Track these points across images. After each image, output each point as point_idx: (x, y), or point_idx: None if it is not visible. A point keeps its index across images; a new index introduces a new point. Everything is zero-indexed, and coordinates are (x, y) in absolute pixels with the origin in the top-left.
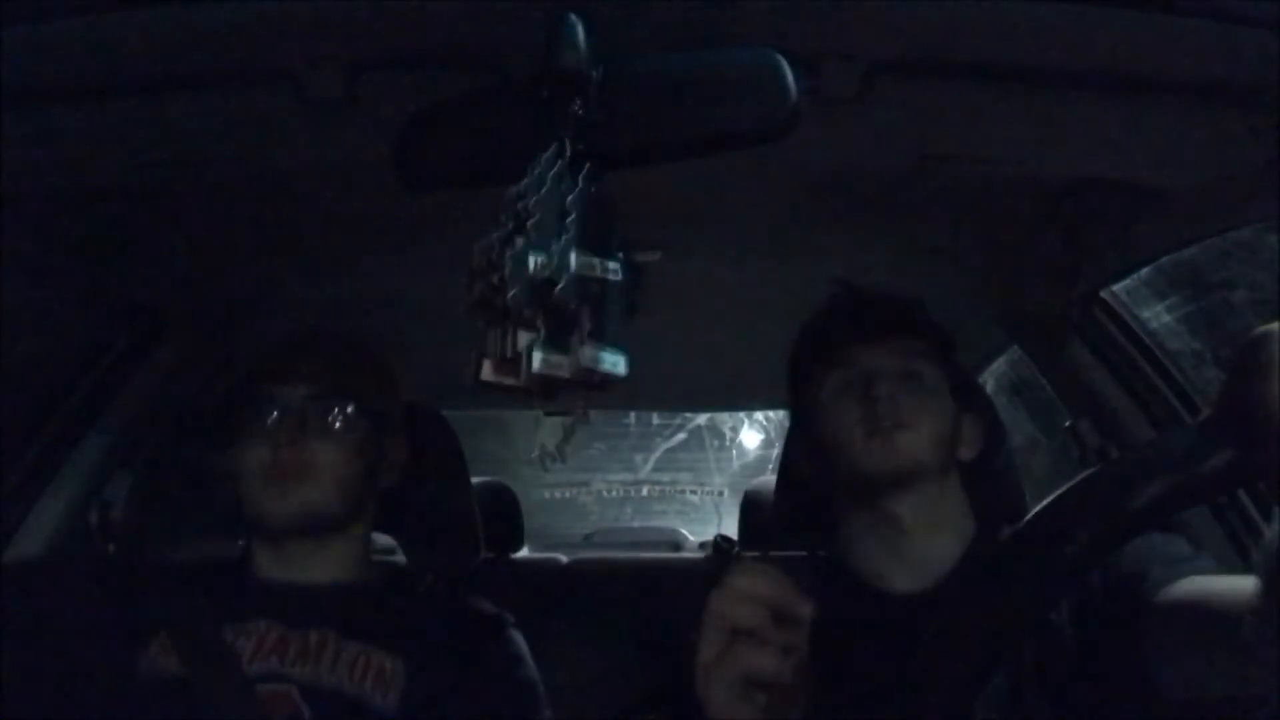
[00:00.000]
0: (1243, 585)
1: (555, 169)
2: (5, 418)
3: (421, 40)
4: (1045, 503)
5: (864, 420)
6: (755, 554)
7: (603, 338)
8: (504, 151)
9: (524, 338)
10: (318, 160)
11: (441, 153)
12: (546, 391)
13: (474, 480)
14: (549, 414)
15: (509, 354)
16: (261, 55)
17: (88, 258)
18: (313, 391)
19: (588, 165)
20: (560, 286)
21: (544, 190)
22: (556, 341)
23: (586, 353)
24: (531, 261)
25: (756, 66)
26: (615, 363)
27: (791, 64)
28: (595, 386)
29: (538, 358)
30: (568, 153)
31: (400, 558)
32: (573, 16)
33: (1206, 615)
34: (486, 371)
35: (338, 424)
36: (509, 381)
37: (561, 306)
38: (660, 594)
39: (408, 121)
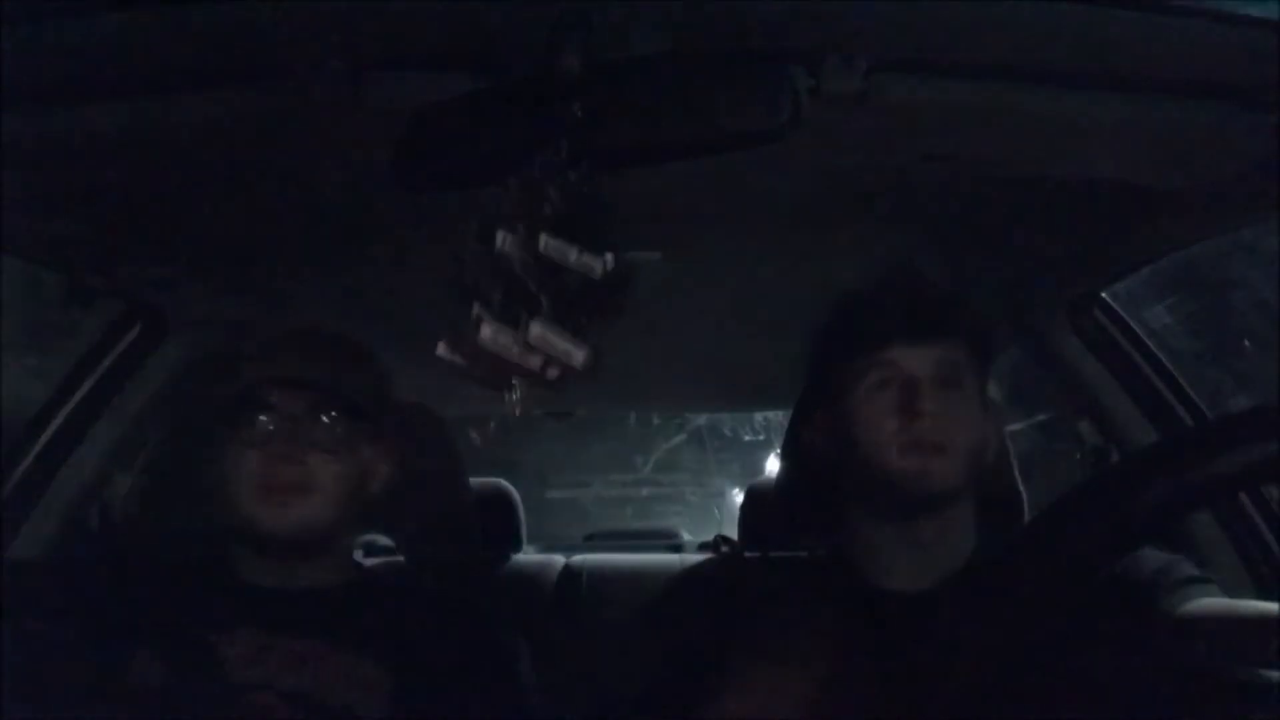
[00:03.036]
0: (1265, 606)
1: (551, 165)
2: (6, 417)
3: (422, 41)
4: (1052, 503)
5: (902, 434)
6: (756, 554)
7: (559, 322)
8: (504, 152)
9: (475, 309)
10: (319, 160)
11: (441, 153)
12: (497, 373)
13: (475, 481)
14: (549, 414)
15: (460, 325)
16: (263, 55)
17: (88, 258)
18: (307, 402)
19: (585, 165)
20: (522, 265)
21: (534, 179)
22: (509, 319)
23: (535, 329)
24: (499, 237)
25: (756, 66)
26: (568, 352)
27: (791, 64)
28: (549, 377)
29: (486, 329)
30: (564, 152)
31: (399, 558)
32: (572, 18)
33: (1233, 631)
34: (440, 349)
35: (332, 435)
36: (457, 359)
37: (522, 285)
38: (660, 594)
39: (408, 121)
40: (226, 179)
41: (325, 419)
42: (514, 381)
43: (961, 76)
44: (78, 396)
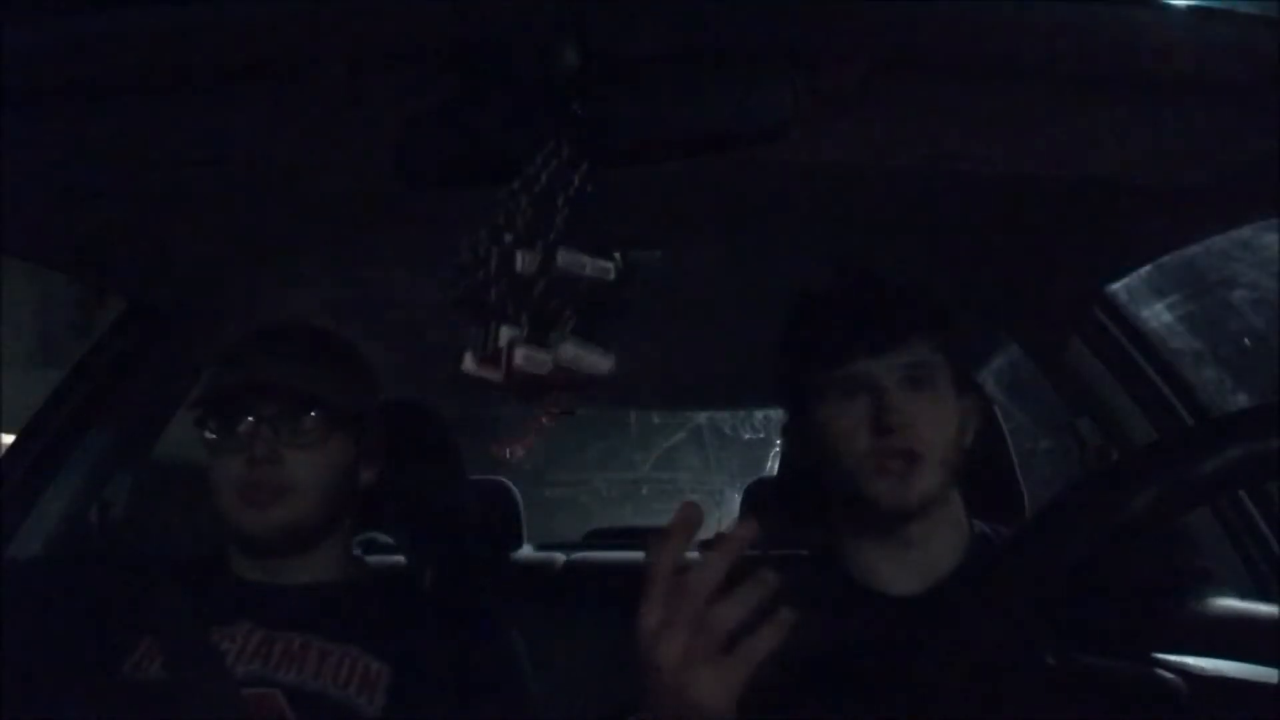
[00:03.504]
0: (1268, 609)
1: (551, 168)
2: (6, 417)
3: (421, 40)
4: (1046, 502)
5: (875, 450)
6: (755, 553)
7: (588, 336)
8: (503, 151)
9: (506, 333)
10: (318, 160)
11: (441, 152)
12: (529, 387)
13: (474, 478)
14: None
15: (490, 349)
16: (262, 54)
17: (88, 258)
18: (283, 402)
19: (585, 165)
20: (543, 284)
21: (538, 188)
22: (539, 338)
23: (567, 350)
24: (519, 259)
25: (756, 66)
26: (598, 362)
27: (791, 64)
28: (579, 385)
29: (520, 353)
30: (564, 152)
31: (398, 557)
32: (572, 16)
33: (1245, 632)
34: (467, 364)
35: (313, 435)
36: (489, 375)
37: (545, 304)
38: None
39: (408, 121)
40: (225, 178)
41: (302, 419)
42: (545, 394)
43: (961, 76)
44: (78, 396)
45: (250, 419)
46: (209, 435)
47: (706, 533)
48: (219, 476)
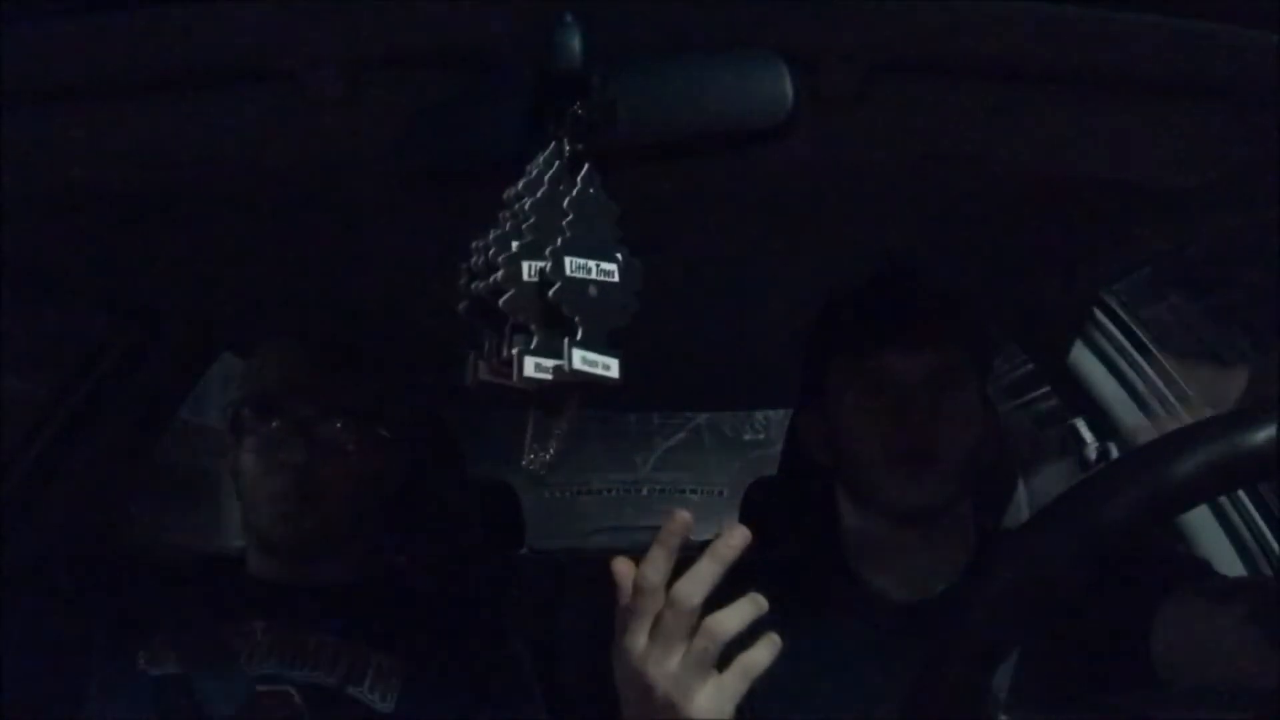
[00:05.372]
0: (1258, 581)
1: (553, 170)
2: (6, 418)
3: (421, 40)
4: (1047, 504)
5: (893, 445)
6: (754, 555)
7: (594, 342)
8: (503, 151)
9: (515, 341)
10: (318, 160)
11: (441, 152)
12: (538, 394)
13: (476, 479)
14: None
15: (503, 356)
16: (261, 55)
17: (88, 258)
18: (316, 408)
19: (587, 166)
20: (553, 292)
21: (541, 192)
22: (548, 347)
23: (576, 358)
24: (527, 268)
25: (756, 66)
26: (607, 366)
27: (791, 64)
28: (587, 390)
29: (531, 363)
30: (566, 153)
31: (399, 556)
32: (572, 16)
33: (1222, 608)
34: (482, 371)
35: (342, 441)
36: (502, 382)
37: (553, 311)
38: None
39: (408, 121)
40: (225, 179)
41: (333, 425)
42: (554, 400)
43: (961, 76)
44: (78, 396)
45: (280, 423)
46: (238, 437)
47: (707, 533)
48: (247, 480)
